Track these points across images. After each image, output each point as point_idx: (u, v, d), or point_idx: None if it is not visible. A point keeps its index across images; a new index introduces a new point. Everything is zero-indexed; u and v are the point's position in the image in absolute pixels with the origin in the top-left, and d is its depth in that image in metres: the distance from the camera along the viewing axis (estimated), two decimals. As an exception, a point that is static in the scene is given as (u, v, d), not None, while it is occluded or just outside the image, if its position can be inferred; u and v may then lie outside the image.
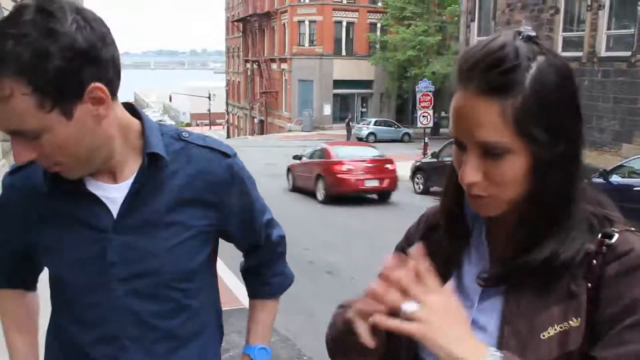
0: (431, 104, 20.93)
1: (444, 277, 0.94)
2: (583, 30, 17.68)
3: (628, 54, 15.98)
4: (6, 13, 1.08)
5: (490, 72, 0.79)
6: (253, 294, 1.49)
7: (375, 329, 0.79)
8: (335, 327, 1.01)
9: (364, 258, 7.61)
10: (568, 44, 18.23)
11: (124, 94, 1.17)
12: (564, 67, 0.83)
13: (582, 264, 0.84)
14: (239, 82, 55.33)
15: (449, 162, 0.93)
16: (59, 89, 0.97)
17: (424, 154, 18.98)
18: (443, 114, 31.81)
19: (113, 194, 1.17)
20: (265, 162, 19.43)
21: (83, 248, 1.17)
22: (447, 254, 0.97)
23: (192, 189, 1.21)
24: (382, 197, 13.92)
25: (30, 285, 1.40)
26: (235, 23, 53.08)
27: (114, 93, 1.07)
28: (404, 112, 40.19)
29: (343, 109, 40.35)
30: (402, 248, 1.06)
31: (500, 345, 0.84)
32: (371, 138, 30.35)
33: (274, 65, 43.98)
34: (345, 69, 39.43)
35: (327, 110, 39.91)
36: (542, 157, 0.82)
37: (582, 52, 17.33)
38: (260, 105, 47.01)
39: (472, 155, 0.83)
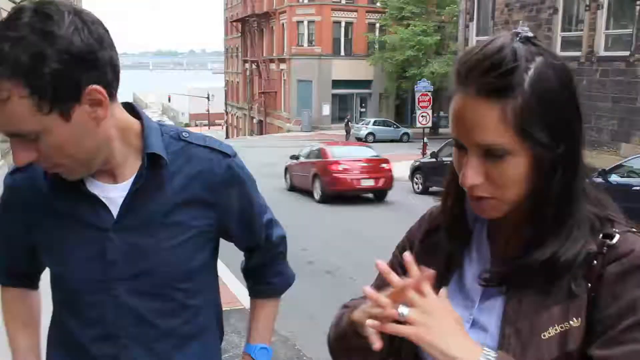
0: (430, 103, 20.93)
1: (445, 277, 0.95)
2: (581, 30, 17.72)
3: (626, 53, 16.02)
4: (4, 14, 1.08)
5: (489, 75, 0.80)
6: (254, 294, 1.50)
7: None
8: (338, 327, 1.01)
9: (364, 258, 7.60)
10: (567, 43, 18.27)
11: (123, 94, 1.17)
12: (563, 68, 0.83)
13: (583, 264, 0.84)
14: (237, 82, 55.34)
15: (448, 162, 0.93)
16: (56, 91, 0.98)
17: (423, 153, 18.99)
18: (442, 113, 31.84)
19: (113, 194, 1.17)
20: (264, 162, 19.43)
21: (83, 247, 1.17)
22: (448, 254, 0.98)
23: (192, 189, 1.21)
24: (378, 196, 14.12)
25: (32, 283, 1.41)
26: (234, 23, 53.10)
27: (112, 94, 1.07)
28: (402, 112, 40.24)
29: (342, 109, 40.37)
30: (404, 248, 1.06)
31: (501, 345, 0.85)
32: (370, 138, 30.42)
33: (273, 66, 43.99)
34: (344, 69, 39.44)
35: (326, 110, 39.93)
36: (543, 157, 0.82)
37: (581, 52, 17.36)
38: (259, 106, 47.03)
39: (473, 158, 0.84)
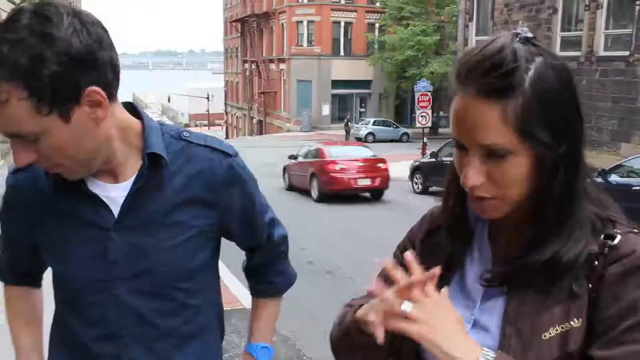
0: (430, 103, 20.94)
1: (446, 277, 0.95)
2: (581, 30, 17.73)
3: (626, 53, 16.03)
4: (4, 16, 1.09)
5: (490, 76, 0.80)
6: (255, 293, 1.50)
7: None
8: (342, 324, 1.02)
9: (363, 258, 7.60)
10: (566, 43, 18.28)
11: (123, 94, 1.17)
12: (563, 68, 0.84)
13: (584, 264, 0.84)
14: (237, 82, 55.34)
15: (448, 162, 0.93)
16: (55, 93, 0.98)
17: (423, 153, 18.99)
18: (441, 113, 31.86)
19: (114, 194, 1.17)
20: (264, 162, 19.43)
21: (85, 247, 1.18)
22: (449, 254, 0.98)
23: (192, 188, 1.21)
24: (375, 195, 14.25)
25: (35, 281, 1.42)
26: (234, 23, 53.09)
27: (112, 95, 1.07)
28: (402, 112, 40.25)
29: (342, 109, 40.38)
30: (405, 248, 1.06)
31: (502, 345, 0.85)
32: (370, 138, 30.44)
33: (273, 66, 43.99)
34: (343, 69, 39.45)
35: (326, 110, 39.94)
36: (544, 157, 0.82)
37: (581, 52, 17.38)
38: (259, 106, 47.03)
39: (474, 158, 0.84)
